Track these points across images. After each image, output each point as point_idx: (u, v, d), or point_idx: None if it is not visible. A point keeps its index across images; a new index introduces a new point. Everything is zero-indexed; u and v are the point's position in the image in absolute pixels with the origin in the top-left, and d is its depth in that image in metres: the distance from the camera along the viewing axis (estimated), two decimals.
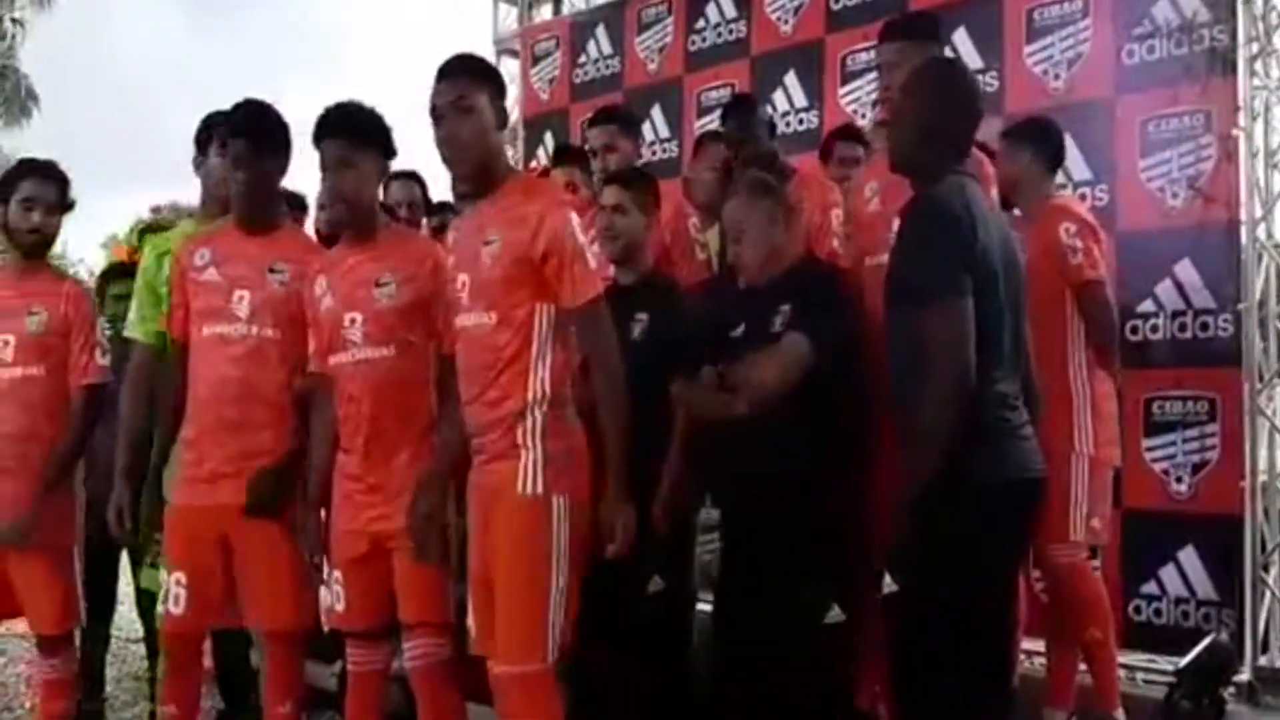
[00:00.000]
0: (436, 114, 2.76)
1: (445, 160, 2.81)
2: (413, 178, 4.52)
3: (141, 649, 4.20)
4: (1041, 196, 3.84)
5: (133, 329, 3.35)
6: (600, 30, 6.88)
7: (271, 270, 3.17)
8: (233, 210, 3.28)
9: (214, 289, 3.18)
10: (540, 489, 2.68)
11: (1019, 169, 3.81)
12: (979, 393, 2.41)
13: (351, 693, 3.08)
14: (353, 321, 2.98)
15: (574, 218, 2.76)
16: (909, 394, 2.49)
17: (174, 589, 3.12)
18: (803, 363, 2.90)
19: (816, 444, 2.97)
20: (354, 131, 3.00)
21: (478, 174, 2.78)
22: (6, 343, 3.38)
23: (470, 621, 2.86)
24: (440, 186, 4.65)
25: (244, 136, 3.14)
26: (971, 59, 5.01)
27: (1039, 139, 3.89)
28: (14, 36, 26.16)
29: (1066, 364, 3.66)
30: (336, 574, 3.03)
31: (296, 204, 4.26)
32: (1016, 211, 3.90)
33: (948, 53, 4.97)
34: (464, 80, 2.77)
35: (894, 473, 2.99)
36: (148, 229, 3.59)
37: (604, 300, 2.75)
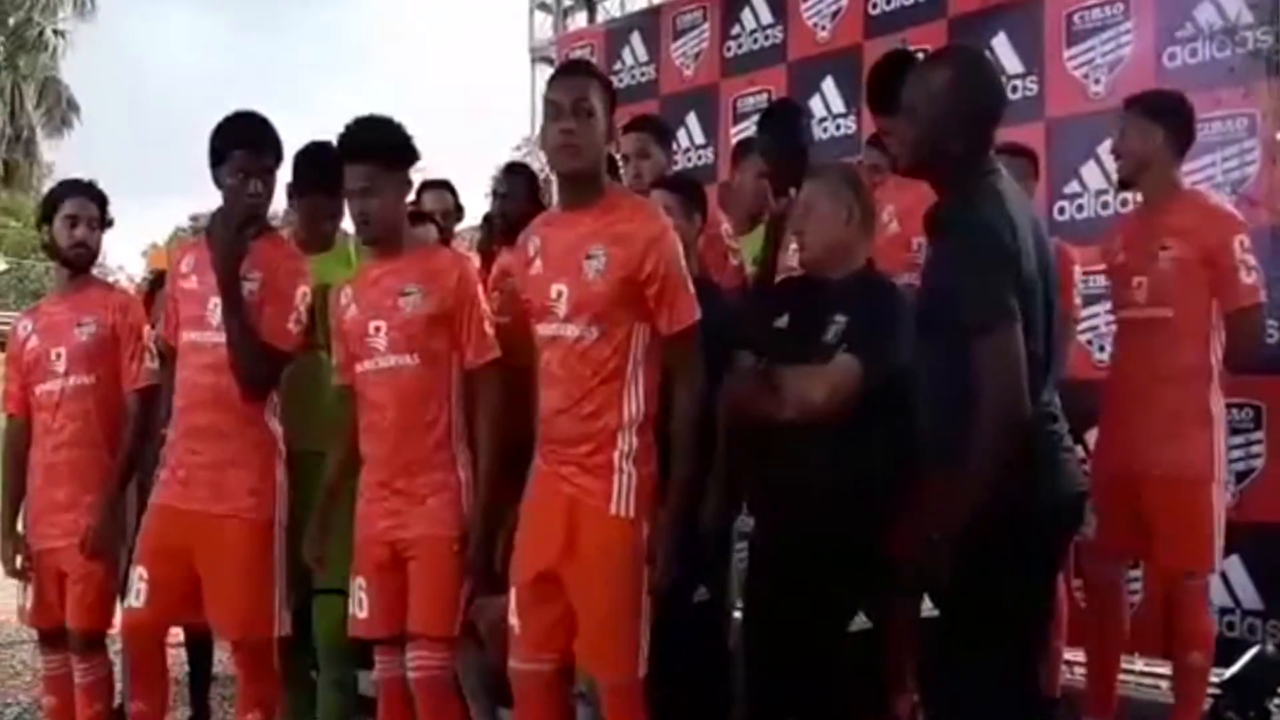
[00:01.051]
0: (556, 109, 2.74)
1: (554, 160, 2.80)
2: (445, 186, 4.55)
3: (182, 654, 4.23)
4: (1171, 183, 3.56)
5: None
6: (635, 37, 6.88)
7: (243, 279, 3.21)
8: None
9: (193, 297, 3.26)
10: (633, 512, 2.73)
11: (1150, 149, 3.51)
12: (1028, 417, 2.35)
13: (381, 699, 3.11)
14: (377, 329, 3.02)
15: (679, 244, 2.79)
16: (947, 421, 2.41)
17: (136, 583, 3.18)
18: (853, 387, 2.86)
19: (869, 460, 2.93)
20: (378, 155, 3.04)
21: (586, 179, 2.79)
22: (59, 355, 3.49)
23: (512, 622, 2.86)
24: (469, 194, 4.72)
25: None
26: (1011, 63, 4.98)
27: (1172, 116, 3.55)
28: (55, 48, 26.60)
29: (1208, 385, 3.46)
30: (360, 581, 3.06)
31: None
32: (1137, 195, 3.78)
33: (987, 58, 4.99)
34: (585, 81, 2.79)
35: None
36: None
37: (699, 329, 2.78)
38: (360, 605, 3.05)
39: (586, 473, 2.75)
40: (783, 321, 3.10)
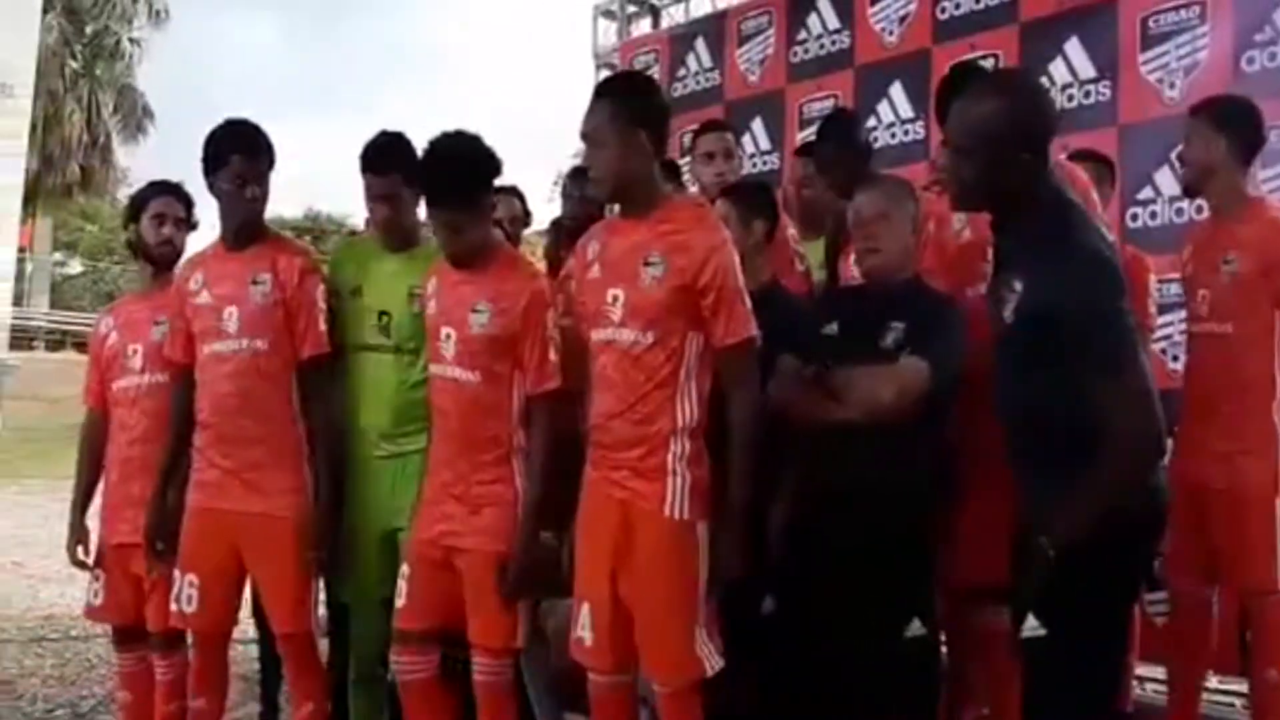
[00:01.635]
0: (584, 138, 2.84)
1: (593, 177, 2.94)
2: (513, 193, 4.58)
3: (253, 650, 4.31)
4: (1237, 191, 3.49)
5: (325, 341, 3.36)
6: (699, 42, 6.88)
7: (253, 283, 3.28)
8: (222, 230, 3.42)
9: (208, 311, 3.32)
10: (688, 514, 2.75)
11: (1215, 157, 3.45)
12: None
13: (408, 701, 3.13)
14: (448, 337, 3.06)
15: (735, 257, 2.80)
16: (1055, 441, 2.35)
17: (186, 589, 3.26)
18: (922, 388, 2.86)
19: (919, 463, 2.94)
20: (471, 177, 3.05)
21: (624, 198, 2.88)
22: (135, 351, 3.56)
23: (581, 634, 2.87)
24: (532, 199, 4.75)
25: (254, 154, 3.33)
26: (1084, 68, 4.90)
27: (1239, 123, 3.47)
28: (131, 56, 27.24)
29: (1270, 400, 3.39)
30: (405, 570, 3.10)
31: None
32: (1201, 203, 3.70)
33: (1059, 64, 4.93)
34: (601, 109, 2.84)
35: (979, 487, 2.97)
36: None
37: (755, 342, 2.79)
38: (401, 594, 3.09)
39: (639, 476, 2.76)
40: (831, 328, 3.10)
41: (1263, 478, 3.36)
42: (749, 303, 2.80)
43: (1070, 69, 4.92)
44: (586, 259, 2.95)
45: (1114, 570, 2.32)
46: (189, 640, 3.45)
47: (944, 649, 3.29)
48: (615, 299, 2.80)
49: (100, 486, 3.68)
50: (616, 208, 3.12)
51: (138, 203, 3.71)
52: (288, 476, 3.28)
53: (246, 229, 3.38)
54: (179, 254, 3.66)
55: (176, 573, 3.32)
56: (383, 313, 3.27)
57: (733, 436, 2.76)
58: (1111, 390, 2.24)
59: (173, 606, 3.31)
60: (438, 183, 3.05)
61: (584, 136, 2.82)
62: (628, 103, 2.84)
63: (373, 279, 3.31)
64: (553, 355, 3.04)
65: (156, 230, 3.61)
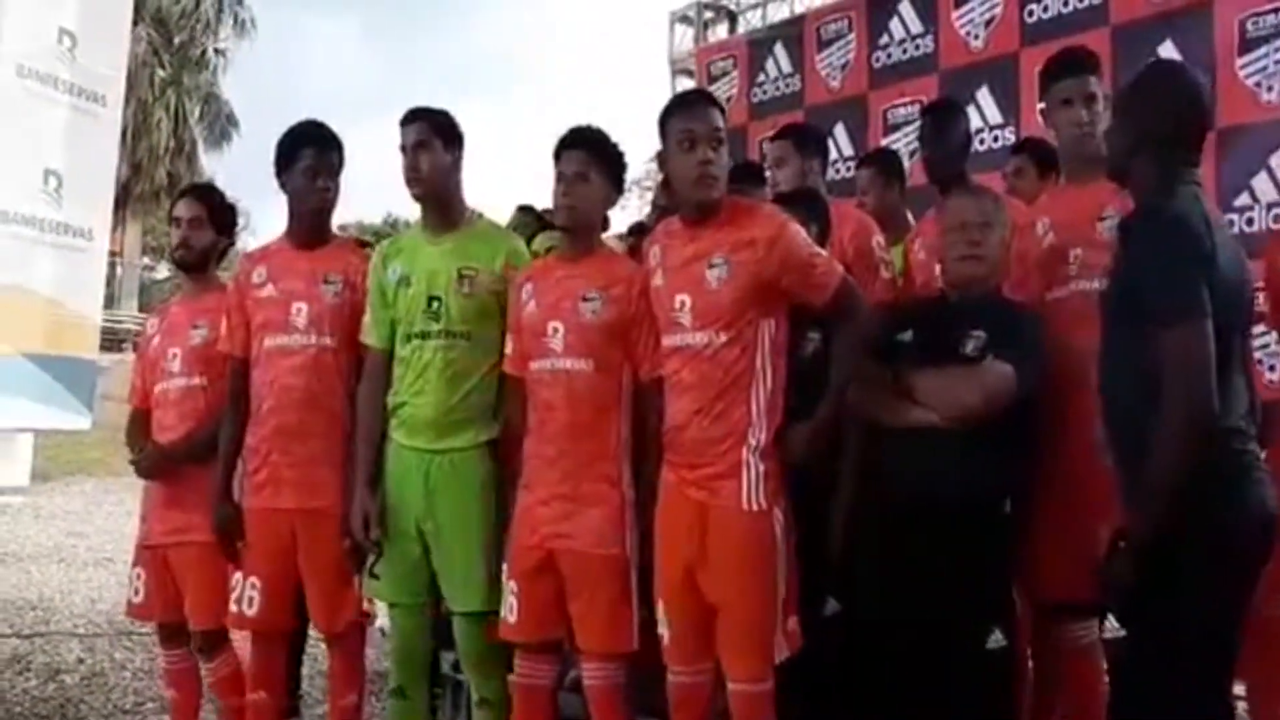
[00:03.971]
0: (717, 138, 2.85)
1: (666, 184, 2.91)
2: (530, 212, 4.56)
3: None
4: None
5: (366, 334, 3.30)
6: (779, 48, 6.86)
7: (325, 282, 3.29)
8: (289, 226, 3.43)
9: (273, 304, 3.32)
10: (764, 503, 2.75)
11: None
12: (1218, 425, 2.24)
13: (518, 705, 3.11)
14: (555, 330, 3.02)
15: (797, 228, 2.83)
16: (1137, 419, 2.32)
17: (248, 592, 3.27)
18: (1008, 392, 2.81)
19: (1000, 471, 2.88)
20: (595, 146, 3.07)
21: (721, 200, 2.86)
22: (175, 355, 3.54)
23: (661, 630, 2.87)
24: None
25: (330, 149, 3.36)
26: None
27: None
28: (216, 65, 27.93)
29: None
30: (511, 584, 3.06)
31: None
32: None
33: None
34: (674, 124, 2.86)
35: (1062, 500, 2.90)
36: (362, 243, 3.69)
37: (847, 280, 2.84)
38: (511, 609, 3.05)
39: (717, 475, 2.76)
40: (906, 336, 3.06)
41: None
42: (822, 253, 2.85)
43: None
44: (650, 265, 2.96)
45: (1193, 578, 2.25)
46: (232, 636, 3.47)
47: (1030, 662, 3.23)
48: (683, 304, 2.81)
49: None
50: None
51: (169, 210, 3.75)
52: (339, 473, 3.28)
53: (317, 223, 3.38)
54: (199, 255, 3.62)
55: (238, 575, 3.31)
56: (432, 298, 3.20)
57: (833, 359, 2.83)
58: (1164, 344, 2.23)
59: (233, 608, 3.31)
60: (579, 130, 3.10)
61: (713, 135, 2.84)
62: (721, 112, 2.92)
63: (420, 266, 3.25)
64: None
65: (175, 233, 3.61)
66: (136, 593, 3.60)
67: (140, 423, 3.65)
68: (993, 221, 3.03)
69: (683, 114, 2.87)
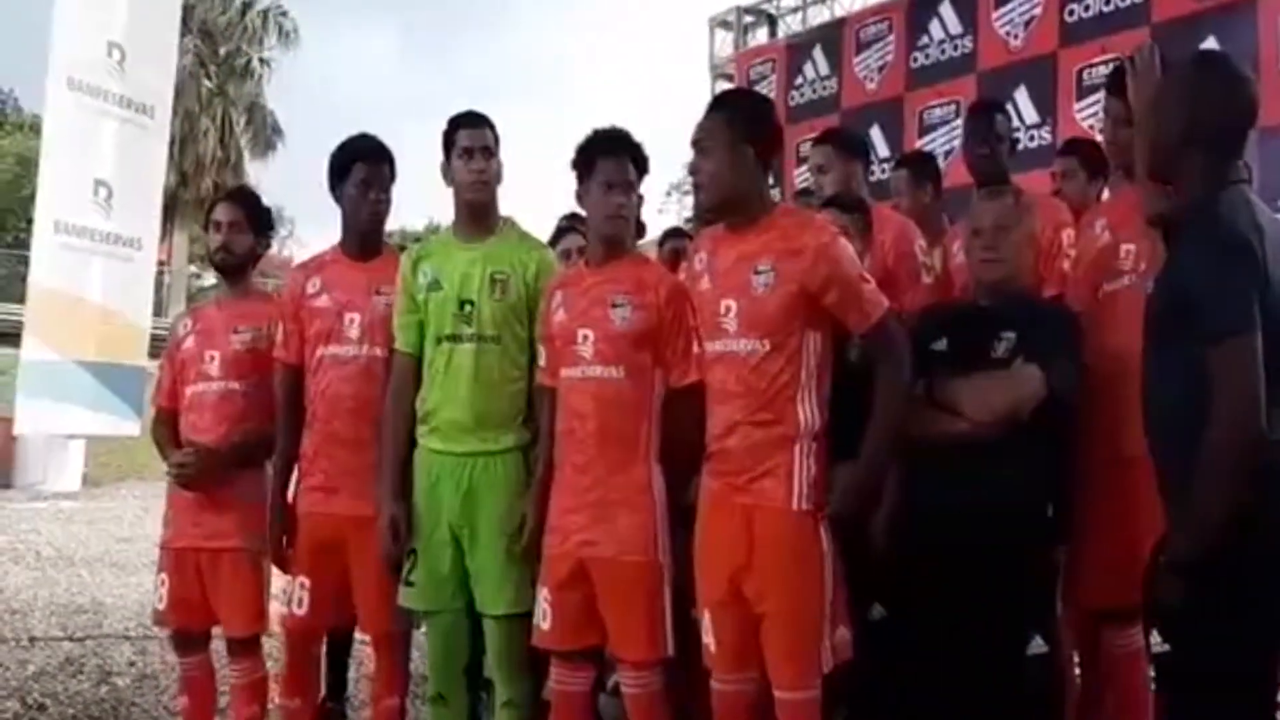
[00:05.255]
0: (699, 146, 2.85)
1: (697, 188, 2.92)
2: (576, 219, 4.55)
3: None
4: None
5: (393, 338, 3.31)
6: (817, 51, 6.86)
7: (377, 293, 3.31)
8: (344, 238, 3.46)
9: (327, 314, 3.35)
10: (811, 506, 2.73)
11: None
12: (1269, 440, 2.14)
13: (556, 712, 3.10)
14: (585, 338, 3.03)
15: (848, 246, 2.80)
16: (1182, 434, 2.24)
17: (298, 592, 3.30)
18: (1037, 396, 2.79)
19: (1036, 476, 2.85)
20: (635, 153, 3.07)
21: (730, 209, 2.85)
22: (213, 358, 3.53)
23: (706, 640, 2.86)
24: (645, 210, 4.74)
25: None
26: None
27: None
28: (261, 75, 28.27)
29: None
30: (544, 593, 3.05)
31: None
32: None
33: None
34: (709, 121, 2.84)
35: (1105, 506, 2.88)
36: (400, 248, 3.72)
37: (891, 314, 2.79)
38: (544, 617, 3.06)
39: (763, 480, 2.74)
40: (940, 344, 3.04)
41: None
42: (872, 281, 2.79)
43: None
44: (695, 270, 2.94)
45: (1262, 603, 2.16)
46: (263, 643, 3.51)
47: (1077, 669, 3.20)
48: (728, 310, 2.78)
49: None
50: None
51: (206, 215, 3.74)
52: None
53: (370, 235, 3.41)
54: (238, 259, 3.63)
55: (286, 577, 3.34)
56: (464, 301, 3.22)
57: (879, 398, 2.75)
58: (1212, 361, 2.14)
59: (282, 608, 3.35)
60: (619, 136, 3.10)
61: (694, 144, 2.85)
62: (741, 116, 2.87)
63: (450, 270, 3.27)
64: (695, 348, 3.00)
65: (214, 238, 3.63)
66: (161, 599, 3.56)
67: (168, 425, 3.63)
68: (1009, 224, 3.00)
69: (605, 158, 2.94)
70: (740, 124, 2.83)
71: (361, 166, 3.35)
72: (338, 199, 3.40)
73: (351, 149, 3.39)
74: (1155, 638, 2.26)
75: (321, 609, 3.33)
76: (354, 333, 3.32)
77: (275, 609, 3.59)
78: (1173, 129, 2.40)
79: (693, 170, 2.84)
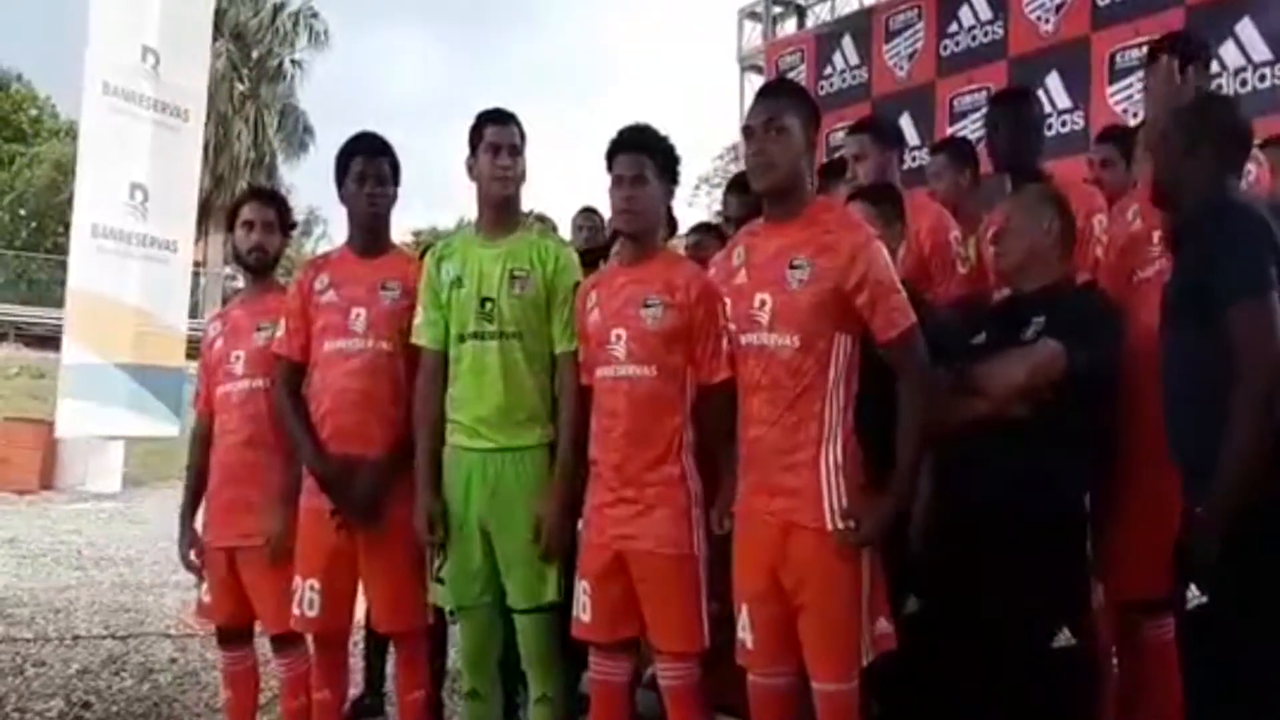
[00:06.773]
0: (748, 132, 2.84)
1: (751, 177, 2.88)
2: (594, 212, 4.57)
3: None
4: None
5: (419, 335, 3.31)
6: (846, 40, 6.82)
7: (383, 288, 3.34)
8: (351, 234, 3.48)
9: (334, 309, 3.37)
10: (842, 525, 2.70)
11: None
12: None
13: (595, 703, 3.14)
14: (618, 338, 3.04)
15: (885, 251, 2.78)
16: (1200, 414, 2.30)
17: (307, 594, 3.29)
18: (1055, 367, 2.75)
19: (1063, 459, 2.82)
20: (653, 148, 3.08)
21: (782, 194, 2.82)
22: (238, 357, 3.55)
23: (742, 635, 2.86)
24: (675, 203, 4.74)
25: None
26: (1258, 52, 4.66)
27: None
28: (293, 77, 28.51)
29: None
30: (584, 584, 3.07)
31: None
32: None
33: (1230, 46, 4.69)
34: (778, 101, 2.83)
35: (1143, 496, 2.87)
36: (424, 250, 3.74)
37: (916, 329, 2.74)
38: (584, 609, 3.07)
39: (793, 491, 2.73)
40: (980, 339, 3.03)
41: None
42: (904, 292, 2.76)
43: (1243, 52, 4.68)
44: (732, 265, 2.92)
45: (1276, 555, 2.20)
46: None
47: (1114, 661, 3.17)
48: (763, 303, 2.77)
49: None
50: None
51: (232, 211, 3.74)
52: (398, 475, 3.30)
53: (373, 230, 3.42)
54: (271, 258, 3.67)
55: (297, 578, 3.31)
56: (485, 299, 3.24)
57: (901, 421, 2.70)
58: (1233, 320, 2.21)
59: (294, 611, 3.32)
60: (633, 131, 3.11)
61: (766, 124, 2.78)
62: (804, 101, 2.89)
63: (471, 268, 3.28)
64: (725, 345, 2.98)
65: (246, 237, 3.62)
66: (204, 594, 3.63)
67: (204, 433, 3.65)
68: (1010, 222, 3.02)
69: (751, 109, 2.87)
70: (806, 109, 2.83)
71: (358, 161, 3.37)
72: (341, 198, 3.43)
73: (349, 146, 3.42)
74: (1191, 591, 2.26)
75: (335, 610, 3.32)
76: (360, 327, 3.34)
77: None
78: (1180, 143, 2.50)
79: (758, 151, 2.78)
